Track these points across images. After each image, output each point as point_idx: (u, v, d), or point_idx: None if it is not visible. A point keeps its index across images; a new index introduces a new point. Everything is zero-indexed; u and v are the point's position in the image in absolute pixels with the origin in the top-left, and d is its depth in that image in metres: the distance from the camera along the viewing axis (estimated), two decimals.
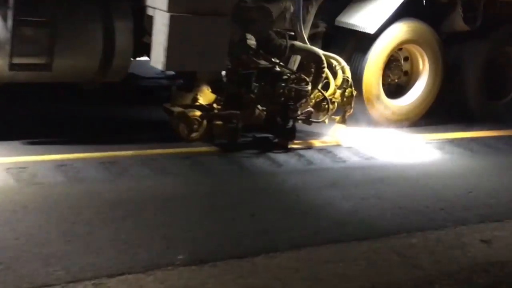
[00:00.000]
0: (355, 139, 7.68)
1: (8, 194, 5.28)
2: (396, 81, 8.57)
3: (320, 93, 7.42)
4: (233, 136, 6.91)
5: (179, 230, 4.97)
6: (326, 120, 7.57)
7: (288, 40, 7.18)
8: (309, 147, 7.33)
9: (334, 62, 7.66)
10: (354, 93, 7.61)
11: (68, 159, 6.18)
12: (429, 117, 8.71)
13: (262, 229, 5.13)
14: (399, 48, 8.38)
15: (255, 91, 7.02)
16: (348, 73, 7.60)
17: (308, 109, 7.33)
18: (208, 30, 6.51)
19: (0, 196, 5.24)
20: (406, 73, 8.64)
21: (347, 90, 7.57)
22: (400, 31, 8.23)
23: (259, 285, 4.27)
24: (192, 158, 6.59)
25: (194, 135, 6.99)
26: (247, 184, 6.18)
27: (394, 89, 8.57)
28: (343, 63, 7.66)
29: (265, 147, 7.08)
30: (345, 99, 7.57)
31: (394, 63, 8.48)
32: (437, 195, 6.25)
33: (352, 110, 7.65)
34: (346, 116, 7.65)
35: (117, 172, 6.01)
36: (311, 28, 7.98)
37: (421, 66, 8.58)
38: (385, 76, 8.37)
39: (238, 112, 6.88)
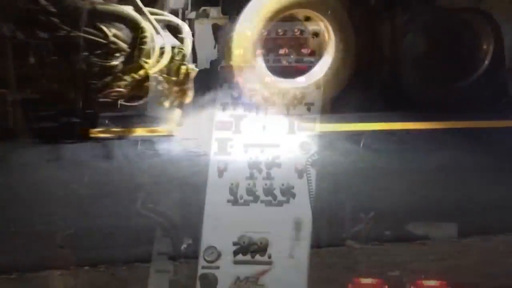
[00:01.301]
0: (200, 128, 6.09)
1: None
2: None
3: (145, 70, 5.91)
4: None
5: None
6: (166, 104, 6.06)
7: (91, 2, 5.74)
8: (122, 137, 5.88)
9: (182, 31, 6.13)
10: (192, 70, 6.01)
11: None
12: (351, 102, 6.85)
13: None
14: (285, 13, 6.60)
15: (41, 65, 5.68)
16: (187, 45, 6.02)
17: (118, 89, 5.87)
18: None
19: None
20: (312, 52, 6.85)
21: (182, 67, 6.00)
22: None
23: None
24: None
25: None
26: None
27: None
28: (186, 32, 6.09)
29: (60, 135, 5.73)
30: (181, 77, 6.01)
31: None
32: None
33: (190, 91, 6.06)
34: (184, 99, 6.08)
35: None
36: None
37: (326, 38, 6.76)
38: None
39: (4, 90, 5.58)
